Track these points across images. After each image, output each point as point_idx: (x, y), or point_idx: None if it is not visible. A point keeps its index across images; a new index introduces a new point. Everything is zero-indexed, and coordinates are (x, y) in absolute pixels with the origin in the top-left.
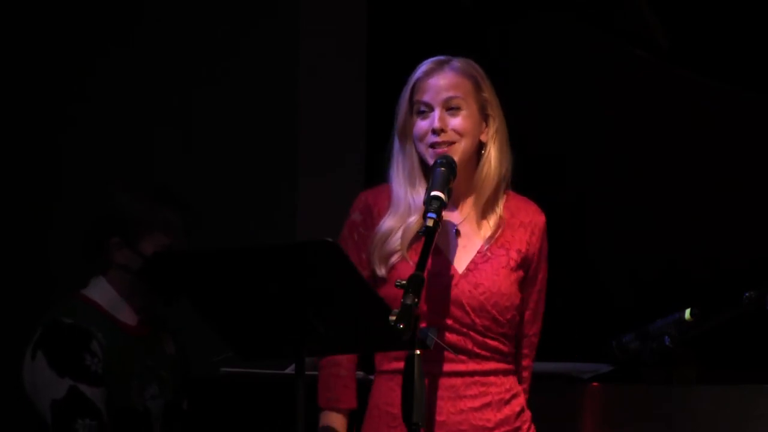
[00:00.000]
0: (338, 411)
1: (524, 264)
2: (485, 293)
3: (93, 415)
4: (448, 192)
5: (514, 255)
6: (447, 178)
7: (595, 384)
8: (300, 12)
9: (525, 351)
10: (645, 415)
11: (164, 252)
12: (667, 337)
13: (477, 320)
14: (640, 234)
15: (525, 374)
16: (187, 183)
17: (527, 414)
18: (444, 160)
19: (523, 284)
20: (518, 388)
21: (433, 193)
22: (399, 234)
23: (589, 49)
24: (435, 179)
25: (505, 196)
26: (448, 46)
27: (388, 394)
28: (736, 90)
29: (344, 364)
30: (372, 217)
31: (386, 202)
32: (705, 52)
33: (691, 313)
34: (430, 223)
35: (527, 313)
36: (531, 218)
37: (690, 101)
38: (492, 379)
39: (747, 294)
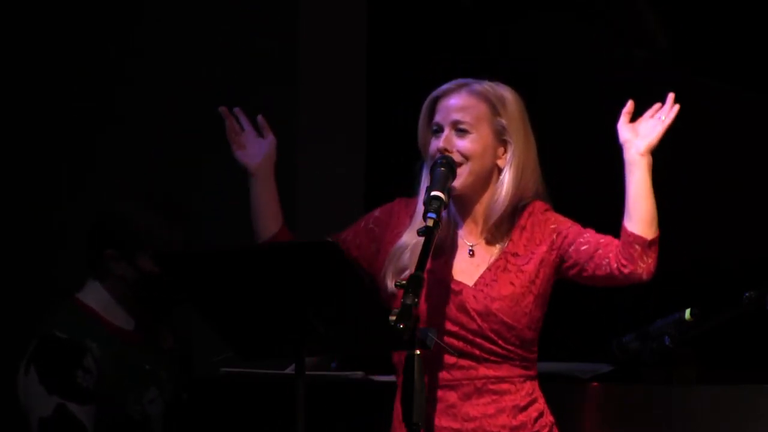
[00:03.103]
0: None
1: (542, 261)
2: (487, 297)
3: None
4: (447, 192)
5: (513, 260)
6: (447, 178)
7: (595, 384)
8: (300, 12)
9: (614, 241)
10: (645, 415)
11: (165, 253)
12: (667, 337)
13: (484, 325)
14: None
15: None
16: (187, 183)
17: (547, 419)
18: (444, 160)
19: (560, 267)
20: (538, 394)
21: (433, 193)
22: (411, 249)
23: (589, 49)
24: (434, 179)
25: (526, 213)
26: (448, 47)
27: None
28: (736, 90)
29: None
30: (390, 219)
31: (409, 213)
32: (705, 52)
33: (691, 313)
34: (429, 223)
35: (590, 245)
36: (540, 228)
37: (690, 101)
38: (506, 386)
39: (747, 294)
